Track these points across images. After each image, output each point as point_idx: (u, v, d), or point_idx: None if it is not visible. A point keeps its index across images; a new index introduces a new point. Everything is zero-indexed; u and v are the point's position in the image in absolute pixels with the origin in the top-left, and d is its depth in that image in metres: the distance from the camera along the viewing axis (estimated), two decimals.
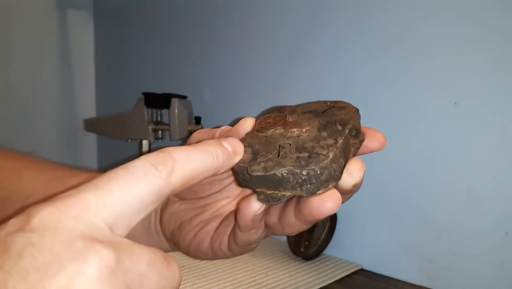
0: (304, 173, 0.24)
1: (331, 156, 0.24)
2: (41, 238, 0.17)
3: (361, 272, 0.66)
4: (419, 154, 0.61)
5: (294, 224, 0.26)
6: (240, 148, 0.26)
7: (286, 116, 0.28)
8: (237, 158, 0.25)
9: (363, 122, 0.29)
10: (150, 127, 0.87)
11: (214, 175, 0.24)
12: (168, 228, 0.32)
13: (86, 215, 0.18)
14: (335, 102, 0.31)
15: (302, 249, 0.67)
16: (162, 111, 0.89)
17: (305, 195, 0.24)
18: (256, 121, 0.29)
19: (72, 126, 1.11)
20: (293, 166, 0.24)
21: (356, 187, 0.26)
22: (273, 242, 0.74)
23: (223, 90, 0.87)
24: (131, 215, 0.20)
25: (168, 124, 0.83)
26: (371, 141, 0.28)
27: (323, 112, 0.29)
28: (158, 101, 0.85)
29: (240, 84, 0.84)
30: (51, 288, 0.16)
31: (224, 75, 0.87)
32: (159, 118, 0.89)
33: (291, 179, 0.24)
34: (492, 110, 0.55)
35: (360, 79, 0.67)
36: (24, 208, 0.19)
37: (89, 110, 1.15)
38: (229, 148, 0.25)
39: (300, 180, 0.24)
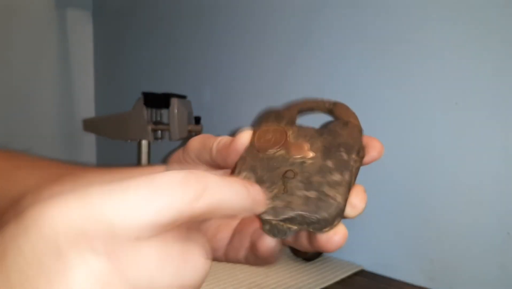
0: (313, 218, 0.24)
1: (340, 200, 0.24)
2: (34, 243, 0.17)
3: (361, 273, 0.66)
4: (420, 154, 0.61)
5: (308, 248, 0.26)
6: (264, 200, 0.24)
7: (286, 134, 0.27)
8: (261, 209, 0.24)
9: (364, 124, 0.29)
10: (150, 127, 0.86)
11: (231, 217, 0.23)
12: None
13: (88, 222, 0.17)
14: (334, 104, 0.30)
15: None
16: (162, 111, 0.88)
17: (311, 230, 0.24)
18: (254, 132, 0.28)
19: (71, 126, 1.11)
20: (303, 211, 0.24)
21: (358, 215, 0.26)
22: None
23: (223, 90, 0.87)
24: (138, 236, 0.18)
25: (168, 124, 0.83)
26: (369, 152, 0.27)
27: (325, 128, 0.28)
28: (157, 101, 0.85)
29: (240, 84, 0.84)
30: None
31: (224, 75, 0.86)
32: (158, 118, 0.89)
33: (300, 219, 0.24)
34: (493, 110, 0.55)
35: (361, 79, 0.67)
36: (21, 208, 0.18)
37: (88, 110, 1.14)
38: (258, 197, 0.23)
39: (308, 221, 0.24)
